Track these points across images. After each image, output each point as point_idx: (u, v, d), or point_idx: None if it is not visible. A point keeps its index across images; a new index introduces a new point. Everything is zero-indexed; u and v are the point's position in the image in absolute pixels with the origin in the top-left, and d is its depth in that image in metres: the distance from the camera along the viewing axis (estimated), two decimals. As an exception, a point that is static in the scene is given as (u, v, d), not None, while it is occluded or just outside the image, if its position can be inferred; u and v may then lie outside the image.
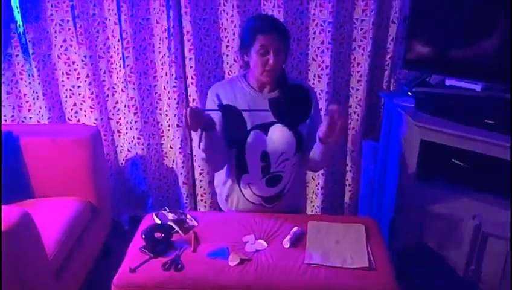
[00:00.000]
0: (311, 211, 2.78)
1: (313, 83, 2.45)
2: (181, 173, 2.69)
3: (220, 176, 1.99)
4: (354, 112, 2.51)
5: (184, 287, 1.60)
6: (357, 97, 2.47)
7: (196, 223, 1.89)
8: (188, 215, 1.93)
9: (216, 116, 1.75)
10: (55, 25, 2.45)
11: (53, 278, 1.85)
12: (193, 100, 2.50)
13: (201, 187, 2.74)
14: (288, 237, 1.78)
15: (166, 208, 1.98)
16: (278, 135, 1.83)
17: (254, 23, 1.80)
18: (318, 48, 2.38)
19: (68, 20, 2.43)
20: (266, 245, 1.77)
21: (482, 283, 1.99)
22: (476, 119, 1.87)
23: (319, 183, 2.65)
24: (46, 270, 1.79)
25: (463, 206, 1.96)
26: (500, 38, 1.90)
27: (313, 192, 2.71)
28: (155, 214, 1.95)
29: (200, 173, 2.70)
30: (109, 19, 2.44)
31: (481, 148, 1.84)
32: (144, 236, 1.73)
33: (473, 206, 1.93)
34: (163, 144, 2.77)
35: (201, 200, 2.77)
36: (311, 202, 2.77)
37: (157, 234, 1.75)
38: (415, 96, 2.10)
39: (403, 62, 2.23)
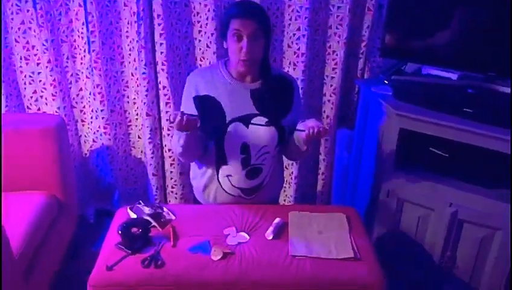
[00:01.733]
0: (284, 200, 2.75)
1: (288, 71, 2.40)
2: (150, 164, 2.58)
3: (197, 167, 1.92)
4: (329, 101, 2.49)
5: (166, 285, 1.53)
6: (331, 85, 2.45)
7: (173, 217, 1.81)
8: (165, 209, 1.84)
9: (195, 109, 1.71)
10: (12, 5, 2.26)
11: (21, 278, 1.73)
12: (164, 87, 2.40)
13: (171, 179, 2.64)
14: (271, 228, 1.74)
15: (140, 201, 1.88)
16: (259, 128, 1.77)
17: (231, 8, 1.74)
18: (294, 34, 2.32)
19: (26, 1, 2.25)
20: (248, 237, 1.72)
21: (457, 269, 2.03)
22: (455, 108, 1.88)
23: (292, 173, 2.63)
24: (14, 270, 1.66)
25: (440, 194, 1.98)
26: (479, 27, 1.92)
27: (287, 181, 2.68)
28: (129, 208, 1.85)
29: (171, 164, 2.60)
30: (73, 0, 2.28)
31: (460, 136, 1.85)
32: (120, 232, 1.64)
33: (450, 193, 1.95)
34: (130, 133, 2.64)
35: (172, 192, 2.68)
36: (284, 191, 2.73)
37: (134, 229, 1.66)
38: (392, 85, 2.09)
39: (380, 50, 2.22)
